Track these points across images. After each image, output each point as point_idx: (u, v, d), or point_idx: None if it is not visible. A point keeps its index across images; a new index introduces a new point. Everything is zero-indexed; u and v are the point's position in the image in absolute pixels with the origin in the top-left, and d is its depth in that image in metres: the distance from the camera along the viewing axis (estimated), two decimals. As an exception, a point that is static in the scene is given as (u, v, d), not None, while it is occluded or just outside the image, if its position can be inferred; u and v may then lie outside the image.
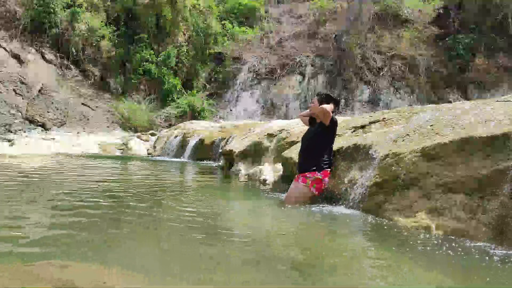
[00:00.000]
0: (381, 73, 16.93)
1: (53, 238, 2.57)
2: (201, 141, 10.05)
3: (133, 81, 16.52)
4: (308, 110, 4.54)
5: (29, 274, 1.73)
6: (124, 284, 1.76)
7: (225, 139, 8.93)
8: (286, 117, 15.49)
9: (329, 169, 4.11)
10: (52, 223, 2.95)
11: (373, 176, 3.57)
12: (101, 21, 16.30)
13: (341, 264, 2.37)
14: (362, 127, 4.78)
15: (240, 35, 19.17)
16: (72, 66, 15.68)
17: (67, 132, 12.93)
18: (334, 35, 17.89)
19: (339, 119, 4.61)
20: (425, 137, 3.48)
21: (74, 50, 15.65)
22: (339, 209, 3.75)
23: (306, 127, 4.61)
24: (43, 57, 14.97)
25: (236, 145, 7.49)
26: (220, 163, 8.33)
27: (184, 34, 18.01)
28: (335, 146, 4.25)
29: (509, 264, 2.33)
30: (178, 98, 16.91)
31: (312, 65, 17.61)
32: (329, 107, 4.05)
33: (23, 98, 12.92)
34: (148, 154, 12.20)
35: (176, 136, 11.60)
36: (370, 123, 4.78)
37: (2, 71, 13.06)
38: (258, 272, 2.14)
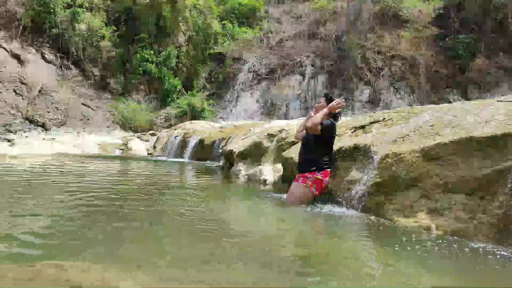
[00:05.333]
0: (381, 73, 16.93)
1: (53, 238, 2.57)
2: (201, 141, 10.05)
3: (133, 81, 16.53)
4: (302, 124, 4.56)
5: (29, 274, 1.73)
6: (124, 284, 1.76)
7: (225, 139, 8.93)
8: (286, 117, 15.50)
9: (329, 169, 4.10)
10: (52, 223, 2.95)
11: (373, 176, 3.57)
12: (101, 21, 16.31)
13: (342, 264, 2.37)
14: (362, 127, 4.78)
15: (240, 35, 19.17)
16: (72, 66, 15.70)
17: (67, 132, 12.94)
18: (334, 35, 17.90)
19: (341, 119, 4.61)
20: (425, 137, 3.48)
21: (74, 50, 15.66)
22: (339, 209, 3.75)
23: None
24: (43, 57, 14.98)
25: (236, 145, 7.48)
26: (220, 163, 8.33)
27: (184, 34, 18.02)
28: (335, 146, 4.25)
29: (510, 264, 2.33)
30: (178, 98, 16.92)
31: (312, 65, 17.61)
32: (319, 119, 4.02)
33: (23, 98, 12.92)
34: (148, 154, 12.20)
35: (176, 136, 11.60)
36: (370, 123, 4.78)
37: (2, 71, 13.07)
38: (258, 272, 2.14)
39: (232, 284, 1.95)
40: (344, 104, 4.18)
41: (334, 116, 4.22)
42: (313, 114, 4.23)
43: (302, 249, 2.76)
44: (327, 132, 4.06)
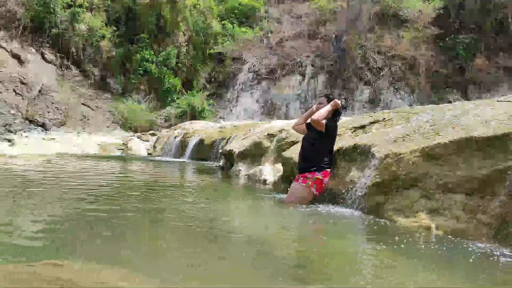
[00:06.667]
0: (381, 73, 16.93)
1: (53, 238, 2.57)
2: (201, 141, 10.05)
3: (133, 81, 16.52)
4: (303, 117, 4.57)
5: (29, 274, 1.73)
6: (124, 284, 1.76)
7: (225, 139, 8.93)
8: (286, 117, 15.51)
9: (329, 169, 4.10)
10: (52, 223, 2.95)
11: (373, 176, 3.57)
12: (101, 21, 16.30)
13: (341, 264, 2.37)
14: (362, 127, 4.78)
15: (240, 35, 19.17)
16: (72, 66, 15.69)
17: (67, 132, 12.93)
18: (334, 35, 17.89)
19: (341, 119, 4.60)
20: (425, 137, 3.48)
21: (74, 50, 15.66)
22: (339, 209, 3.75)
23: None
24: (43, 57, 14.98)
25: (236, 145, 7.49)
26: (220, 163, 8.33)
27: (184, 34, 18.02)
28: (335, 146, 4.25)
29: (509, 264, 2.33)
30: (178, 98, 16.92)
31: (312, 65, 17.61)
32: (323, 113, 4.05)
33: (23, 98, 12.92)
34: (148, 154, 12.19)
35: (176, 136, 11.60)
36: (370, 123, 4.77)
37: (2, 71, 13.07)
38: (258, 272, 2.14)
39: (231, 284, 1.95)
40: (339, 105, 4.21)
41: (334, 116, 4.24)
42: (314, 109, 4.27)
43: (302, 249, 2.76)
44: (330, 131, 4.08)
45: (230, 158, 7.58)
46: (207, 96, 17.31)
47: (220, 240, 2.76)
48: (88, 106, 14.79)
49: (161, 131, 14.15)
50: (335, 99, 4.22)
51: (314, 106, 4.40)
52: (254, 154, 6.91)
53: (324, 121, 4.03)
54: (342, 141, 4.46)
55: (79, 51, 15.79)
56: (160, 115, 16.25)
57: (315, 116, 4.10)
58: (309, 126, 4.36)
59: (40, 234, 2.65)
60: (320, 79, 17.42)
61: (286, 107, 17.21)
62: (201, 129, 11.23)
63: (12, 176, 5.61)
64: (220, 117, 16.82)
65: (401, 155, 3.42)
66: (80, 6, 15.71)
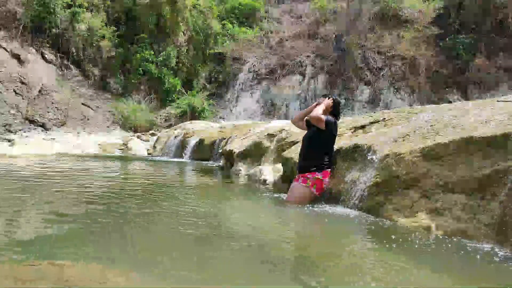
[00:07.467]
0: (381, 73, 16.92)
1: (54, 238, 2.57)
2: (201, 141, 10.05)
3: (133, 81, 16.53)
4: (304, 111, 4.61)
5: (29, 274, 1.73)
6: (124, 284, 1.76)
7: (225, 139, 8.93)
8: (286, 117, 15.50)
9: (329, 169, 4.11)
10: (52, 223, 2.95)
11: (373, 176, 3.57)
12: (101, 21, 16.30)
13: (341, 264, 2.37)
14: (362, 127, 4.78)
15: (240, 35, 19.18)
16: (72, 66, 15.69)
17: (67, 132, 12.94)
18: (334, 35, 17.90)
19: (341, 119, 4.62)
20: (425, 137, 3.48)
21: (74, 50, 15.66)
22: (340, 209, 3.75)
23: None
24: (43, 57, 14.98)
25: (236, 145, 7.49)
26: (220, 163, 8.33)
27: (184, 34, 18.02)
28: (335, 146, 4.25)
29: (509, 264, 2.33)
30: (178, 98, 16.92)
31: (312, 65, 17.61)
32: (320, 110, 4.10)
33: (23, 98, 12.92)
34: (148, 154, 12.20)
35: (176, 136, 11.60)
36: (370, 123, 4.78)
37: (2, 71, 13.07)
38: (257, 272, 2.15)
39: (231, 284, 1.96)
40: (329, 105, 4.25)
41: (334, 115, 4.25)
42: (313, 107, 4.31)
43: (301, 249, 2.76)
44: (330, 128, 4.09)
45: (230, 158, 7.58)
46: (207, 96, 17.31)
47: (220, 240, 2.76)
48: (88, 106, 14.79)
49: (161, 131, 14.15)
50: (326, 99, 4.27)
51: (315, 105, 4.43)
52: (254, 154, 6.91)
53: (323, 117, 4.05)
54: (342, 141, 4.46)
55: (79, 51, 15.80)
56: (160, 115, 16.25)
57: (313, 113, 4.14)
58: (308, 124, 4.37)
59: (41, 234, 2.65)
60: (320, 79, 17.41)
61: (286, 107, 17.21)
62: (201, 129, 11.23)
63: (12, 177, 5.61)
64: (220, 117, 16.82)
65: (401, 155, 3.43)
66: (80, 6, 15.71)
